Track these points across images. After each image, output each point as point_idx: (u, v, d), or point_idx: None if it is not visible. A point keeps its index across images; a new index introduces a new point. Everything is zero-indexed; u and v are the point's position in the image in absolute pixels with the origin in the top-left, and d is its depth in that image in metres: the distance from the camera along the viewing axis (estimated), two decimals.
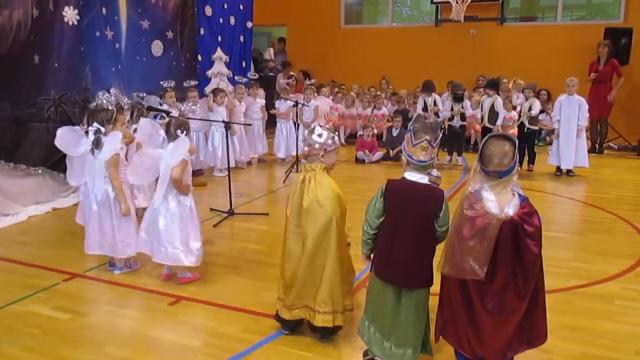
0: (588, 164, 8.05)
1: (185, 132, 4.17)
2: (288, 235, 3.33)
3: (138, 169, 4.31)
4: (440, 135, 2.92)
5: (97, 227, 4.44)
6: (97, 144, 4.36)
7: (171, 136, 4.17)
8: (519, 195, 2.64)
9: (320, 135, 3.21)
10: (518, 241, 2.57)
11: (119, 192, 4.34)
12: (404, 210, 2.88)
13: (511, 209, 2.57)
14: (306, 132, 3.31)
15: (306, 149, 3.27)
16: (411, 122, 2.99)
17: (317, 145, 3.22)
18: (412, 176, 2.90)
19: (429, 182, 2.92)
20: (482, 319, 2.69)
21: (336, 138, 3.33)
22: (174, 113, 5.82)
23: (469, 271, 2.58)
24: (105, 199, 4.38)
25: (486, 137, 2.69)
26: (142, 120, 4.45)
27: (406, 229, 2.87)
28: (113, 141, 4.34)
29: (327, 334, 3.37)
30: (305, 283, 3.26)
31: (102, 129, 4.40)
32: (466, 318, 2.74)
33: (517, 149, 2.63)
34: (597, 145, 10.08)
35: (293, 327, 3.47)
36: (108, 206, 4.40)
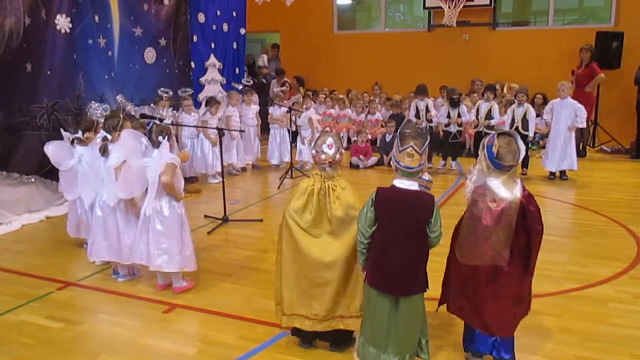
0: (576, 167, 8.08)
1: (167, 138, 4.14)
2: (309, 246, 3.15)
3: (126, 182, 4.24)
4: (428, 142, 2.92)
5: (102, 233, 4.45)
6: (103, 152, 4.38)
7: (154, 143, 4.15)
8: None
9: (342, 141, 3.20)
10: (525, 220, 2.84)
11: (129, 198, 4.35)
12: (394, 218, 2.87)
13: (518, 192, 2.83)
14: (330, 139, 3.15)
15: (337, 156, 3.15)
16: (400, 128, 2.98)
17: (343, 151, 3.21)
18: (402, 183, 2.90)
19: (419, 188, 2.92)
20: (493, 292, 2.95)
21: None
22: (167, 120, 5.83)
23: (491, 257, 2.83)
24: (114, 205, 4.39)
25: (494, 136, 2.89)
26: (124, 131, 4.42)
27: (398, 237, 2.87)
28: (120, 148, 4.34)
29: (340, 344, 3.35)
30: (340, 293, 3.17)
31: (109, 137, 4.41)
32: (476, 293, 2.98)
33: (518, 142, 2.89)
34: (579, 148, 10.06)
35: (311, 341, 3.40)
36: (116, 212, 4.42)
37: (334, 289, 3.15)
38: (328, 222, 3.16)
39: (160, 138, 4.10)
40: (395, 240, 2.87)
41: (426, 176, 3.10)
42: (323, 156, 3.15)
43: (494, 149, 2.83)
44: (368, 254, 2.99)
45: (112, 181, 4.34)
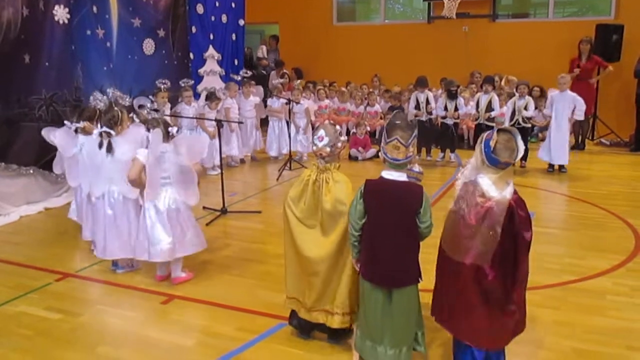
0: (567, 161, 8.06)
1: (178, 131, 4.20)
2: (302, 238, 3.18)
3: (152, 186, 4.09)
4: (415, 134, 2.85)
5: (114, 232, 4.41)
6: (108, 148, 4.35)
7: (165, 136, 4.10)
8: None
9: (341, 134, 3.18)
10: (513, 226, 2.66)
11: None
12: (384, 209, 2.85)
13: (508, 194, 2.68)
14: (322, 131, 3.13)
15: (328, 149, 3.11)
16: (389, 119, 2.96)
17: (339, 144, 3.17)
18: (390, 174, 2.87)
19: (407, 179, 2.89)
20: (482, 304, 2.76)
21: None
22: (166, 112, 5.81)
23: (475, 256, 2.68)
24: (123, 201, 4.39)
25: (494, 132, 2.75)
26: (131, 127, 4.38)
27: (388, 229, 2.85)
28: (128, 139, 4.32)
29: (338, 336, 3.35)
30: (327, 285, 3.18)
31: (112, 132, 4.38)
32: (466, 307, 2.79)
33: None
34: (579, 141, 10.06)
35: (309, 332, 3.41)
36: (126, 208, 4.42)
37: (321, 280, 3.16)
38: (321, 214, 3.16)
39: (170, 130, 4.12)
40: (385, 232, 2.85)
41: (416, 168, 3.07)
42: (314, 147, 3.17)
43: (492, 143, 2.70)
44: (360, 247, 2.97)
45: (122, 177, 4.27)
